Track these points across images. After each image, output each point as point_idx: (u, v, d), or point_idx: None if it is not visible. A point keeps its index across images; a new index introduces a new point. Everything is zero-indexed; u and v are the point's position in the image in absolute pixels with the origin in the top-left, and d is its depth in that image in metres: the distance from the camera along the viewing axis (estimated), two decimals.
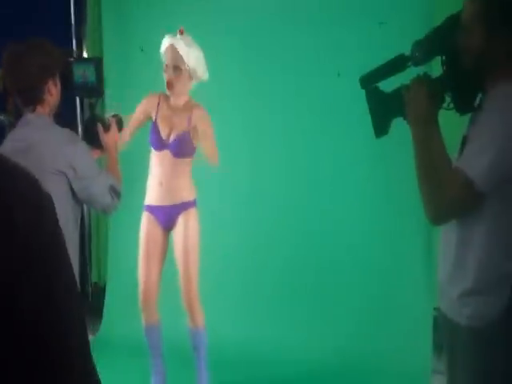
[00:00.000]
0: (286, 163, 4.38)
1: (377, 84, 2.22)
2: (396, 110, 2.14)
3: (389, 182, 4.15)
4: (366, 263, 4.23)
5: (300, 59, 4.26)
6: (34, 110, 2.78)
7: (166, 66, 3.59)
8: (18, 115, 2.87)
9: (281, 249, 4.36)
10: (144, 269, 3.73)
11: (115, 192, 2.86)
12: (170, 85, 3.58)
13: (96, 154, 3.08)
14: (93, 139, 3.05)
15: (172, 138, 3.61)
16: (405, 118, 2.12)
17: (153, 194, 3.68)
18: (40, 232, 0.72)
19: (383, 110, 2.18)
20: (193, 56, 3.55)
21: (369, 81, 2.22)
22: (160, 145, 3.62)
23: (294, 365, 4.10)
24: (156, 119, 3.67)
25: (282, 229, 4.37)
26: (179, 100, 3.66)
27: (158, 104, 3.69)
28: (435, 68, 2.22)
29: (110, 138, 3.11)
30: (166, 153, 3.61)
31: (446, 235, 2.08)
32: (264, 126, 4.43)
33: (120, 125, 3.20)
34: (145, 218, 3.74)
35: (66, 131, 2.81)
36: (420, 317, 4.04)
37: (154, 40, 3.70)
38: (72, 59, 3.23)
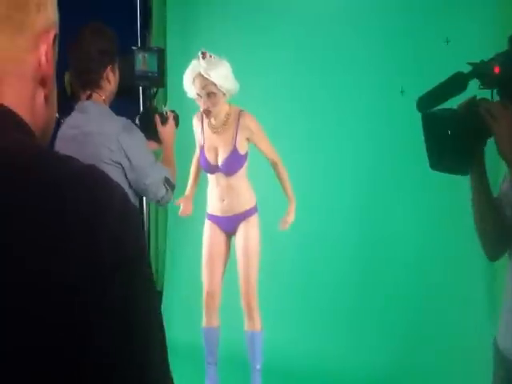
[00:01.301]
0: (346, 179, 4.26)
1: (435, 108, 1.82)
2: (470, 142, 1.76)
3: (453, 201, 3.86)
4: (423, 280, 4.04)
5: (364, 74, 4.15)
6: (90, 96, 2.71)
7: (198, 95, 3.46)
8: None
9: (337, 259, 4.27)
10: (207, 273, 3.76)
11: (170, 185, 2.79)
12: (208, 113, 3.50)
13: (152, 146, 2.99)
14: (149, 131, 2.97)
15: (220, 161, 3.59)
16: (472, 156, 1.78)
17: (215, 206, 3.71)
18: (126, 242, 0.71)
19: (451, 140, 1.78)
20: (223, 76, 3.41)
21: (428, 103, 1.81)
22: (211, 169, 3.64)
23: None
24: (203, 146, 3.64)
25: (340, 239, 4.28)
26: (220, 116, 3.57)
27: (202, 128, 3.64)
28: None
29: (167, 131, 3.05)
30: (220, 174, 3.62)
31: None
32: (327, 140, 4.32)
33: (177, 122, 3.13)
34: (208, 225, 3.78)
35: (123, 120, 2.72)
36: (479, 340, 3.71)
37: (216, 40, 3.59)
38: (134, 47, 3.17)
